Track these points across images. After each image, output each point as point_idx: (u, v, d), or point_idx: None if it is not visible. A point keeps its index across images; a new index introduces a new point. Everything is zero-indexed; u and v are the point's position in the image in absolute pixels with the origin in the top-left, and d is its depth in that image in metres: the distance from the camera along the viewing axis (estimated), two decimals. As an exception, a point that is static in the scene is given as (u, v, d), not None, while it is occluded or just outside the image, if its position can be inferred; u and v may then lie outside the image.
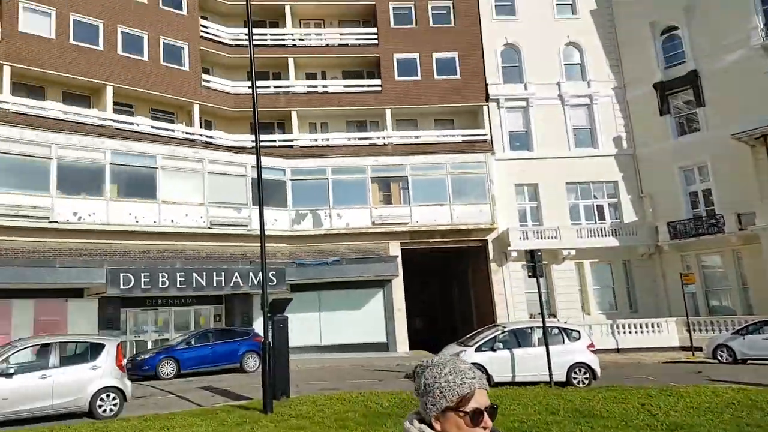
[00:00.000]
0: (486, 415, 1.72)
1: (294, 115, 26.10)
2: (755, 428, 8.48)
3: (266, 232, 13.82)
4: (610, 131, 27.24)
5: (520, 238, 24.93)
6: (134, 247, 20.42)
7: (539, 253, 15.48)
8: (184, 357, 18.06)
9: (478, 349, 14.94)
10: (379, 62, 27.25)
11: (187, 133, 23.70)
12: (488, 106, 27.02)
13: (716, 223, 23.41)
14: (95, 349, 12.35)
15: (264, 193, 13.80)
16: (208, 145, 23.81)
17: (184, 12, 24.80)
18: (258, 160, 13.79)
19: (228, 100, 25.57)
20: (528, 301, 24.67)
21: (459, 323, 28.98)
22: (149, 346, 20.34)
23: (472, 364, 14.07)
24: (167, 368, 17.65)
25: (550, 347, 14.30)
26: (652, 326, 23.17)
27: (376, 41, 27.41)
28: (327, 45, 27.36)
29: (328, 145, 25.97)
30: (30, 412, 11.16)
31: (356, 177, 25.17)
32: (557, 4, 28.41)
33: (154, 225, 20.71)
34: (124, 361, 12.98)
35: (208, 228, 21.82)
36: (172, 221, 21.08)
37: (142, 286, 18.93)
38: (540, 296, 15.50)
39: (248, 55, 25.11)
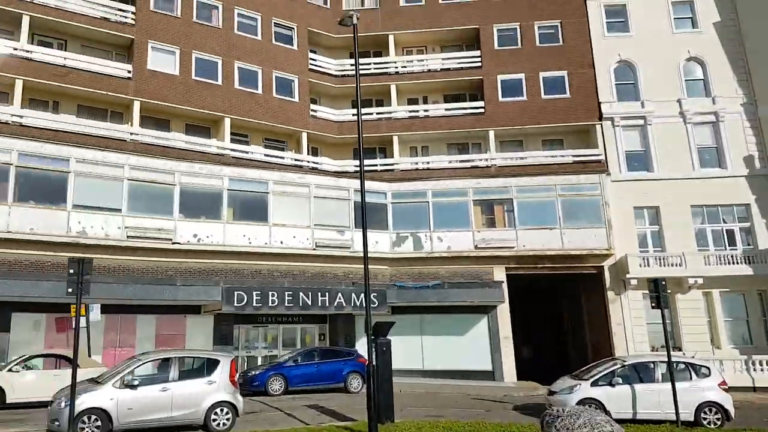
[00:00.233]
0: None
1: (395, 139, 26.65)
2: None
3: (368, 255, 14.10)
4: (739, 150, 25.15)
5: (641, 265, 23.49)
6: (247, 267, 21.66)
7: (663, 282, 14.58)
8: (291, 374, 18.69)
9: (594, 384, 14.25)
10: (482, 84, 27.24)
11: (295, 159, 24.96)
12: (602, 125, 26.04)
13: None
14: (211, 365, 12.97)
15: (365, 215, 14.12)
16: (314, 170, 24.90)
17: (295, 47, 26.38)
18: (362, 186, 14.17)
19: (333, 127, 26.68)
20: (650, 333, 23.05)
21: (571, 354, 27.64)
22: (259, 361, 21.33)
23: (588, 399, 13.37)
24: (276, 385, 18.32)
25: (677, 384, 13.41)
26: (795, 363, 20.76)
27: (479, 64, 27.46)
28: (429, 70, 27.79)
29: (428, 168, 26.16)
30: (152, 422, 11.90)
31: (457, 199, 25.10)
32: (675, 19, 27.00)
33: (265, 246, 21.89)
34: (237, 377, 13.57)
35: (314, 249, 22.70)
36: (281, 242, 22.17)
37: (254, 304, 19.94)
38: (665, 328, 14.53)
39: (352, 85, 26.47)
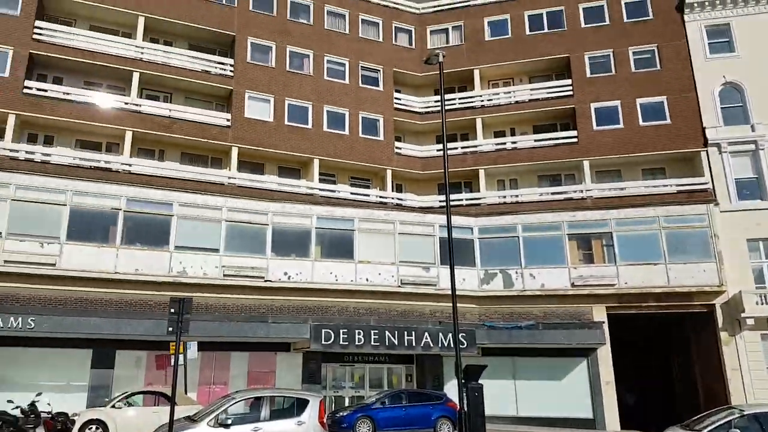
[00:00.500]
0: None
1: (482, 173, 26.40)
2: None
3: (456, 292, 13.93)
4: None
5: (758, 302, 21.45)
6: (334, 304, 22.11)
7: (786, 321, 13.19)
8: (379, 417, 18.54)
9: (707, 436, 12.97)
10: (575, 113, 26.52)
11: (380, 196, 25.43)
12: (707, 151, 24.40)
13: None
14: (300, 405, 13.02)
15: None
16: (399, 207, 25.21)
17: (380, 88, 27.23)
18: (449, 221, 14.13)
19: (417, 163, 26.98)
20: (772, 378, 20.79)
21: (680, 401, 25.41)
22: (347, 402, 21.47)
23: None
24: (364, 427, 18.24)
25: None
26: None
27: (570, 92, 26.83)
28: (516, 102, 27.48)
29: (517, 202, 25.57)
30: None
31: (550, 234, 24.26)
32: (787, 34, 25.05)
33: (351, 283, 22.30)
34: (325, 417, 13.56)
35: (399, 286, 22.78)
36: (366, 280, 22.49)
37: (341, 342, 20.22)
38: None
39: (436, 121, 26.73)
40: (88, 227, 19.74)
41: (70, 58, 22.38)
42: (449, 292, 21.33)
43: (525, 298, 23.66)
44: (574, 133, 26.30)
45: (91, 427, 15.85)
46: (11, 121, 21.00)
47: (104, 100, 22.45)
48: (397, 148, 26.70)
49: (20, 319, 17.70)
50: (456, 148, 26.90)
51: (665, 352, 27.61)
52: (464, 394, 13.21)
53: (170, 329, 15.41)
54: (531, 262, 24.00)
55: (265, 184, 23.62)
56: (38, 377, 18.55)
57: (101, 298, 19.40)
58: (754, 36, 25.21)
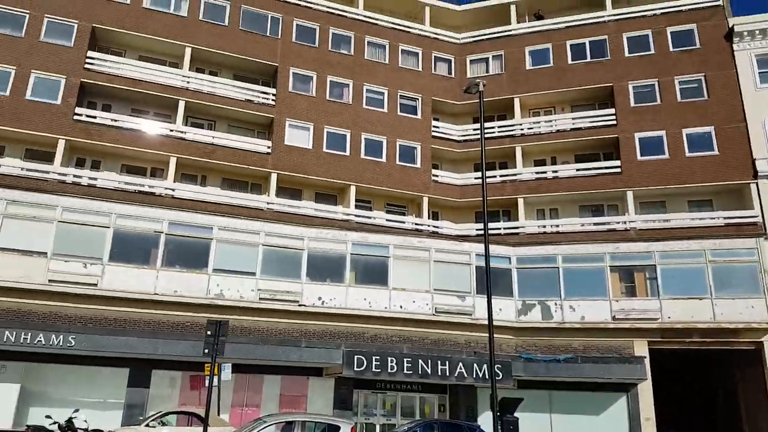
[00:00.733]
0: None
1: (521, 202, 26.52)
2: None
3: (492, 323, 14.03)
4: None
5: (812, 342, 20.69)
6: (367, 331, 22.37)
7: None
8: (410, 446, 18.57)
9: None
10: (618, 143, 26.51)
11: (415, 224, 25.86)
12: (757, 183, 24.04)
13: None
14: (332, 431, 13.45)
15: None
16: (435, 234, 25.50)
17: (419, 116, 27.90)
18: (486, 250, 14.30)
19: (454, 191, 27.34)
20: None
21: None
22: (378, 430, 21.58)
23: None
24: (394, 456, 18.35)
25: None
26: None
27: (614, 122, 26.89)
28: (558, 131, 27.66)
29: (558, 232, 25.53)
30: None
31: (592, 265, 24.06)
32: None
33: (384, 310, 22.59)
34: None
35: (433, 315, 22.91)
36: (400, 307, 22.73)
37: (373, 369, 20.40)
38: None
39: (475, 149, 27.13)
40: (130, 249, 20.76)
41: (118, 86, 23.90)
42: (485, 322, 21.53)
43: (564, 331, 23.43)
44: (617, 162, 26.25)
45: (126, 446, 16.54)
46: (61, 145, 22.45)
47: (150, 126, 23.81)
48: (434, 175, 27.16)
49: (61, 337, 18.62)
50: (495, 176, 27.14)
51: (709, 389, 26.72)
52: (499, 426, 13.10)
53: (206, 351, 16.13)
54: (571, 293, 23.81)
55: (302, 210, 24.42)
56: (76, 394, 19.38)
57: (140, 318, 20.27)
58: (807, 65, 24.88)
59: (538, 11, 30.52)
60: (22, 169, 21.77)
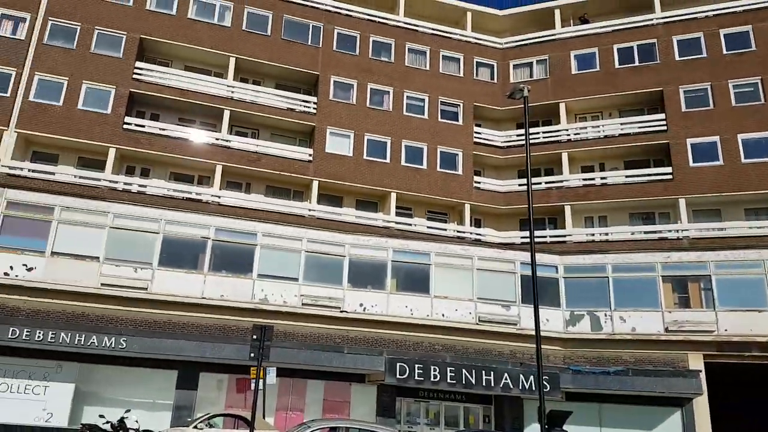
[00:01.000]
0: None
1: (567, 209, 27.33)
2: None
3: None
4: None
5: None
6: (409, 339, 23.42)
7: None
8: (453, 456, 19.52)
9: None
10: (669, 149, 27.12)
11: (458, 231, 27.01)
12: (817, 190, 24.32)
13: None
14: None
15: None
16: (477, 242, 26.53)
17: (460, 122, 29.12)
18: (533, 259, 15.00)
19: (497, 198, 28.36)
20: None
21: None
22: (420, 438, 22.54)
23: None
24: (437, 466, 19.29)
25: None
26: None
27: (664, 127, 27.54)
28: (605, 136, 28.43)
29: (607, 240, 26.25)
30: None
31: (643, 275, 24.54)
32: None
33: (426, 318, 23.60)
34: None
35: (477, 324, 23.80)
36: (442, 315, 23.71)
37: (416, 378, 21.41)
38: None
39: (518, 155, 28.13)
40: (178, 254, 22.41)
41: (166, 96, 25.86)
42: (531, 333, 22.47)
43: (614, 342, 23.96)
44: (668, 169, 26.86)
45: (173, 446, 17.95)
46: (112, 154, 24.46)
47: (197, 135, 25.69)
48: (476, 182, 28.24)
49: (113, 339, 20.24)
50: (540, 183, 28.03)
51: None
52: None
53: (252, 355, 17.43)
54: (621, 304, 24.33)
55: (343, 217, 25.89)
56: (127, 394, 20.96)
57: (188, 322, 21.86)
58: None
59: (584, 15, 31.43)
60: (75, 176, 23.83)
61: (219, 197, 24.69)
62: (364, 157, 27.24)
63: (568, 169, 28.27)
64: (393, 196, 26.91)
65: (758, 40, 27.35)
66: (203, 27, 27.11)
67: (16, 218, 21.53)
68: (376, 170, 27.11)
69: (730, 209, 26.18)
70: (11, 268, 20.90)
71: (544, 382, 20.82)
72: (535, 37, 31.06)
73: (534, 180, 26.75)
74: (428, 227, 26.85)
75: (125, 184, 24.13)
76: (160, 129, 25.35)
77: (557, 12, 31.30)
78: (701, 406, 22.36)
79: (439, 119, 28.90)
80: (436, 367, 21.66)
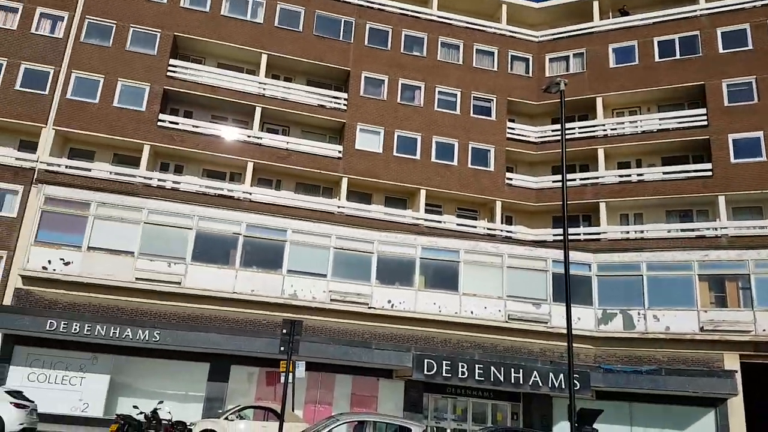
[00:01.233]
0: None
1: (602, 206, 27.89)
2: None
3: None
4: None
5: None
6: (437, 335, 24.49)
7: None
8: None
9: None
10: (709, 145, 27.46)
11: (488, 228, 27.87)
12: None
13: None
14: None
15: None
16: (508, 239, 27.37)
17: (493, 118, 29.89)
18: (566, 256, 15.69)
19: (530, 195, 29.10)
20: None
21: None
22: (448, 434, 23.61)
23: None
24: (465, 462, 20.29)
25: None
26: None
27: (704, 122, 27.86)
28: (643, 132, 28.86)
29: (642, 238, 26.77)
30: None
31: (679, 274, 25.08)
32: None
33: (455, 315, 24.61)
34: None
35: (506, 322, 24.70)
36: (471, 312, 24.68)
37: (443, 374, 22.47)
38: None
39: (552, 151, 28.80)
40: (210, 250, 23.88)
41: (199, 93, 27.31)
42: (561, 331, 23.33)
43: (647, 341, 24.58)
44: (708, 165, 27.19)
45: (206, 437, 19.27)
46: (146, 151, 26.02)
47: (229, 132, 27.13)
48: (508, 179, 29.02)
49: (147, 332, 21.79)
50: (574, 180, 28.64)
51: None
52: None
53: (282, 348, 18.61)
54: (655, 303, 24.91)
55: (372, 214, 27.00)
56: (160, 386, 22.56)
57: (219, 316, 23.34)
58: None
59: (623, 6, 31.79)
60: (110, 173, 25.48)
61: (250, 194, 26.09)
62: (394, 153, 28.28)
63: (604, 166, 28.79)
64: (422, 192, 27.90)
65: (807, 32, 27.45)
66: (236, 24, 28.49)
67: (53, 214, 23.29)
68: (406, 167, 28.16)
69: (772, 207, 26.45)
70: (49, 262, 22.65)
71: (575, 381, 21.67)
72: (572, 30, 31.51)
73: (569, 176, 27.42)
74: (458, 224, 27.74)
75: (159, 180, 25.69)
76: (193, 126, 26.85)
77: (596, 4, 31.63)
78: (736, 407, 22.85)
79: (472, 114, 29.72)
80: (464, 364, 22.64)
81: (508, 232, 28.18)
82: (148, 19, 27.61)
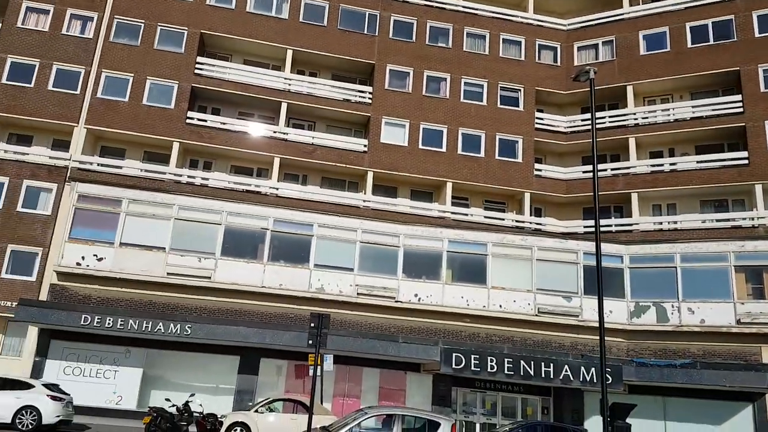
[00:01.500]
0: None
1: (634, 197, 27.52)
2: None
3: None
4: None
5: None
6: (465, 329, 24.49)
7: None
8: (513, 447, 20.37)
9: None
10: (745, 132, 26.90)
11: (516, 221, 27.75)
12: None
13: None
14: (432, 427, 14.82)
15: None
16: (537, 231, 27.19)
17: (520, 108, 29.69)
18: (597, 249, 15.61)
19: (559, 186, 28.83)
20: None
21: None
22: (477, 428, 23.50)
23: None
24: (495, 456, 20.27)
25: None
26: None
27: (740, 109, 27.30)
28: (675, 120, 28.37)
29: (675, 229, 26.37)
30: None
31: (714, 265, 24.64)
32: None
33: (483, 309, 24.58)
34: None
35: (536, 315, 24.58)
36: (500, 306, 24.63)
37: (472, 368, 22.42)
38: None
39: (582, 141, 28.52)
40: (239, 245, 24.29)
41: (226, 90, 27.71)
42: (593, 324, 23.13)
43: (681, 335, 24.22)
44: (744, 153, 26.65)
45: (236, 429, 19.50)
46: (175, 148, 26.54)
47: (256, 128, 27.50)
48: (536, 170, 28.82)
49: (179, 326, 22.25)
50: (605, 170, 28.31)
51: None
52: None
53: (310, 342, 18.87)
54: (690, 295, 24.55)
55: (398, 207, 27.16)
56: (191, 379, 23.07)
57: (249, 310, 23.73)
58: None
59: (654, -9, 31.29)
60: (141, 170, 26.07)
61: (277, 189, 26.43)
62: (420, 146, 28.31)
63: (636, 155, 28.40)
64: (449, 185, 27.88)
65: None
66: (261, 20, 28.79)
67: (86, 211, 23.91)
68: (432, 159, 28.16)
69: (812, 196, 25.81)
70: (83, 258, 23.30)
71: (607, 375, 21.46)
72: (601, 17, 31.09)
73: (599, 166, 27.07)
74: (485, 217, 27.70)
75: (189, 177, 26.18)
76: (221, 123, 27.28)
77: (626, -10, 31.29)
78: (775, 402, 22.44)
79: (499, 105, 29.56)
80: (493, 358, 22.57)
81: (537, 224, 28.01)
82: (175, 17, 28.08)
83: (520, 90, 29.95)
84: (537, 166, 29.07)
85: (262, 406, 20.57)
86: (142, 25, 27.71)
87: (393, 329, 24.11)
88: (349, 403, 23.16)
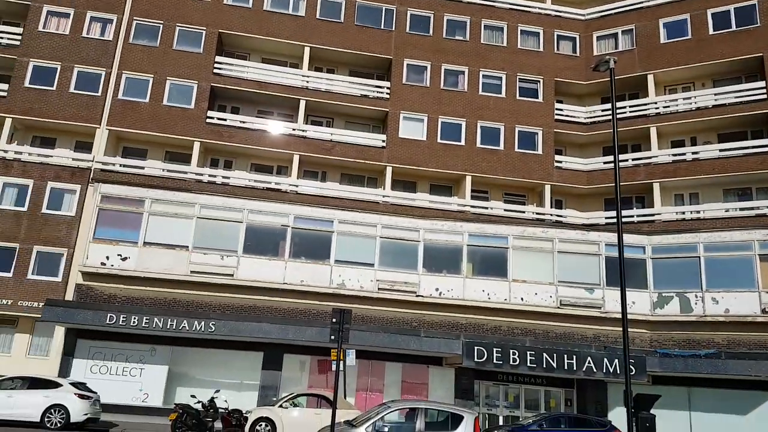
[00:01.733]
0: None
1: (656, 187, 27.41)
2: None
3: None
4: None
5: None
6: (486, 322, 24.62)
7: None
8: (535, 439, 20.51)
9: None
10: (768, 119, 26.70)
11: (536, 213, 27.77)
12: None
13: None
14: (455, 420, 14.86)
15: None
16: (558, 223, 27.18)
17: (540, 99, 29.66)
18: (620, 240, 15.66)
19: (580, 177, 28.79)
20: None
21: None
22: (500, 421, 23.60)
23: None
24: (519, 448, 20.33)
25: None
26: None
27: (764, 96, 27.06)
28: (697, 108, 28.16)
29: (698, 218, 26.23)
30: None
31: (738, 254, 24.52)
32: None
33: (504, 302, 24.71)
34: (478, 434, 15.45)
35: (558, 308, 24.65)
36: (521, 299, 24.74)
37: (494, 361, 22.54)
38: None
39: (602, 131, 28.45)
40: (260, 242, 24.65)
41: (245, 89, 28.07)
42: (615, 316, 23.22)
43: (705, 324, 24.15)
44: (767, 141, 26.39)
45: (261, 425, 19.80)
46: (196, 147, 26.97)
47: (275, 126, 27.84)
48: (557, 161, 28.80)
49: (203, 323, 22.63)
50: (626, 160, 28.20)
51: None
52: (633, 424, 14.09)
53: (332, 337, 19.08)
54: (713, 285, 24.45)
55: (417, 202, 27.32)
56: (216, 375, 23.47)
57: (271, 306, 24.07)
58: None
59: (673, -21, 30.98)
60: (163, 170, 26.53)
61: (296, 186, 26.75)
62: (438, 140, 28.43)
63: (657, 145, 28.26)
64: (468, 179, 28.00)
65: None
66: (279, 18, 29.08)
67: (110, 211, 24.41)
68: (451, 153, 28.29)
69: (839, 182, 25.52)
70: (107, 258, 23.81)
71: (630, 366, 21.45)
72: (621, 6, 30.90)
73: (621, 157, 27.05)
74: (505, 210, 27.80)
75: (210, 176, 26.59)
76: (240, 122, 27.66)
77: (645, -23, 31.04)
78: (801, 392, 22.29)
79: (518, 97, 29.57)
80: (516, 351, 22.65)
81: (557, 216, 28.02)
82: (193, 17, 28.47)
83: (539, 81, 29.93)
84: (557, 157, 29.05)
85: (286, 401, 20.84)
86: (161, 26, 28.13)
87: (414, 323, 24.32)
88: (372, 397, 23.43)
